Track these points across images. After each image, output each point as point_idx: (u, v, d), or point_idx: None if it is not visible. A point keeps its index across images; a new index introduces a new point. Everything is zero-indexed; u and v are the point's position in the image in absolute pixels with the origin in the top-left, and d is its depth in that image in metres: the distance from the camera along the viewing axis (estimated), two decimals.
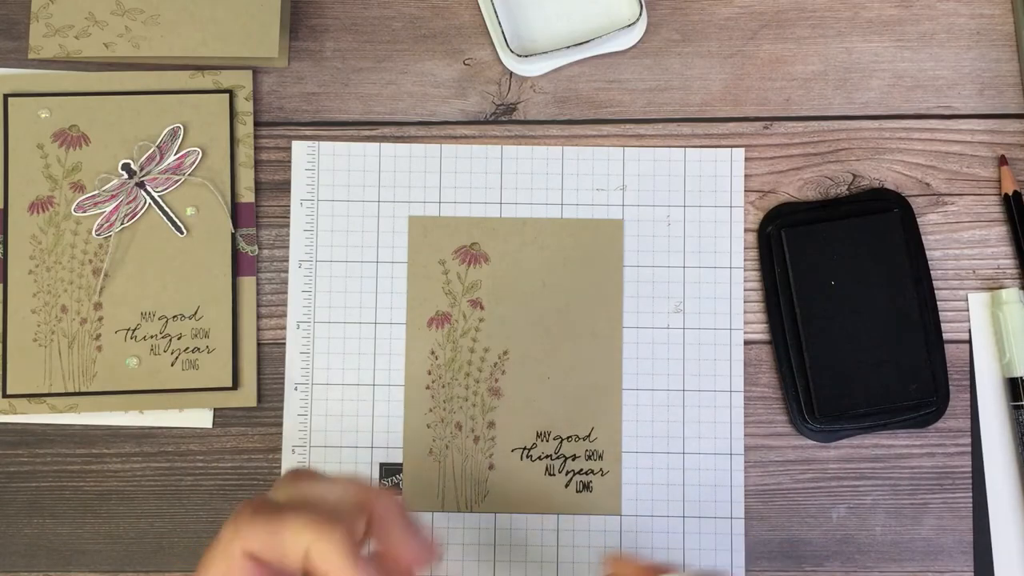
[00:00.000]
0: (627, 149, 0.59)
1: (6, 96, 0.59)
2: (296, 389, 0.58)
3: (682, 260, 0.58)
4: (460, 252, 0.58)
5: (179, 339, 0.58)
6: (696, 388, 0.58)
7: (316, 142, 0.59)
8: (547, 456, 0.57)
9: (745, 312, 0.58)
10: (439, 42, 0.60)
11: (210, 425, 0.58)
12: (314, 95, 0.60)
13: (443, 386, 0.58)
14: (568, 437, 0.57)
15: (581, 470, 0.57)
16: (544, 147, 0.59)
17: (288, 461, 0.58)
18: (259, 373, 0.58)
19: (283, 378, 0.58)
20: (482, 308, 0.58)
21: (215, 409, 0.58)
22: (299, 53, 0.60)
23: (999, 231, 0.59)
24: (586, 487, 0.57)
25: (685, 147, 0.59)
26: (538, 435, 0.57)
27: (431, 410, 0.58)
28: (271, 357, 0.59)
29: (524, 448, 0.57)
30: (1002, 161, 0.59)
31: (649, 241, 0.59)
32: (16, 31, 0.60)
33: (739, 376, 0.58)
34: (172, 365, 0.58)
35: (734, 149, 0.59)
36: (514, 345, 0.58)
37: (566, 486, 0.57)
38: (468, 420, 0.57)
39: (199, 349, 0.58)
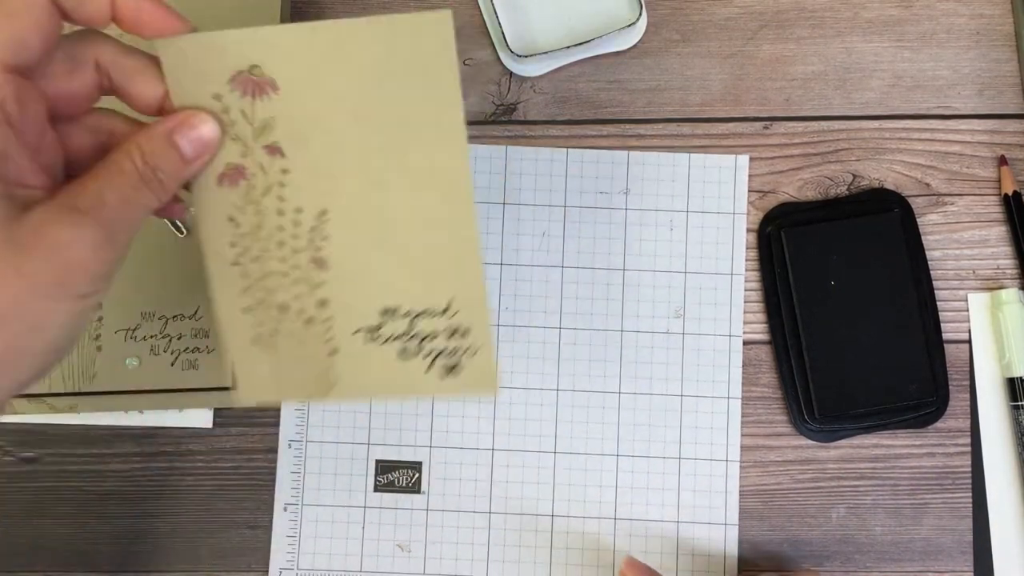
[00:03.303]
0: (631, 153, 0.59)
1: None
2: None
3: (683, 265, 0.58)
4: (238, 80, 0.42)
5: (179, 339, 0.58)
6: (694, 394, 0.58)
7: None
8: (398, 337, 0.45)
9: (745, 312, 0.58)
10: None
11: (210, 425, 0.58)
12: None
13: (253, 260, 0.45)
14: (420, 313, 0.45)
15: (444, 350, 0.45)
16: (548, 149, 0.59)
17: (285, 456, 0.58)
18: None
19: None
20: (283, 156, 0.43)
21: (215, 409, 0.58)
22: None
23: (999, 231, 0.59)
24: (451, 370, 0.46)
25: (687, 148, 0.59)
26: (383, 312, 0.45)
27: (245, 290, 0.45)
28: None
29: (369, 329, 0.45)
30: (1002, 161, 0.59)
31: (651, 245, 0.58)
32: None
33: (737, 383, 0.58)
34: (172, 365, 0.58)
35: (738, 156, 0.59)
36: (333, 201, 0.44)
37: (427, 371, 0.46)
38: (294, 300, 0.45)
39: (199, 349, 0.58)
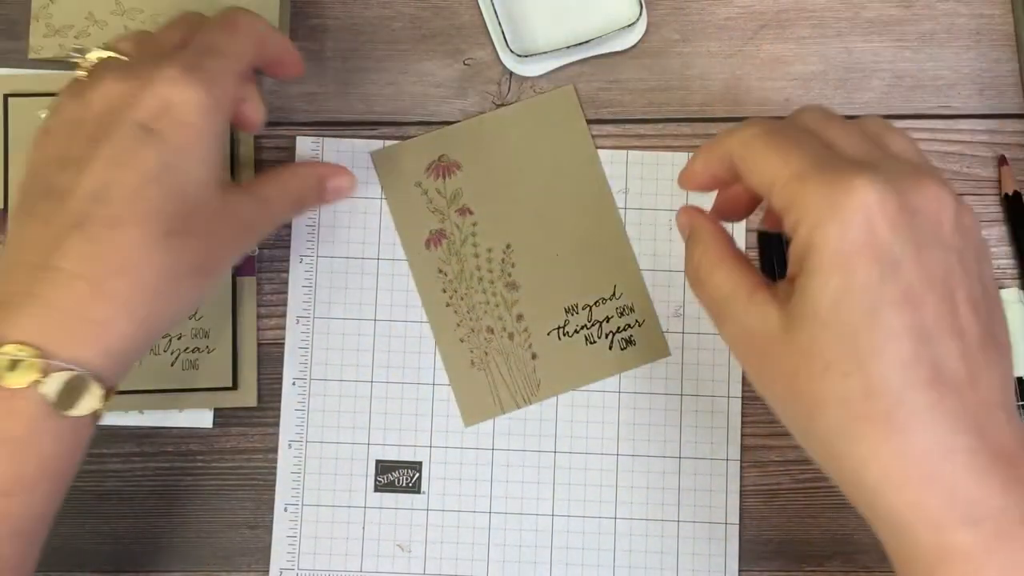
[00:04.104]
0: (630, 152, 0.59)
1: (6, 96, 0.59)
2: (294, 384, 0.58)
3: (682, 264, 0.58)
4: (432, 168, 0.59)
5: (179, 339, 0.58)
6: (694, 393, 0.58)
7: (320, 138, 0.59)
8: (582, 327, 0.58)
9: None
10: (439, 42, 0.60)
11: (210, 425, 0.58)
12: (314, 95, 0.60)
13: (461, 298, 0.58)
14: (595, 303, 0.58)
15: (618, 328, 0.58)
16: None
17: (285, 456, 0.58)
18: (259, 373, 0.58)
19: (283, 377, 0.58)
20: (471, 213, 0.58)
21: (215, 409, 0.58)
22: (299, 53, 0.60)
23: (999, 231, 0.59)
24: (629, 342, 0.58)
25: (687, 148, 0.59)
26: (567, 311, 0.58)
27: (459, 324, 0.58)
28: (271, 357, 0.59)
29: (558, 328, 0.58)
30: (1002, 161, 0.59)
31: (650, 245, 0.58)
32: (16, 31, 0.60)
33: (737, 382, 0.58)
34: (172, 365, 0.58)
35: None
36: (514, 236, 0.58)
37: (610, 348, 0.58)
38: (497, 321, 0.58)
39: (199, 349, 0.58)
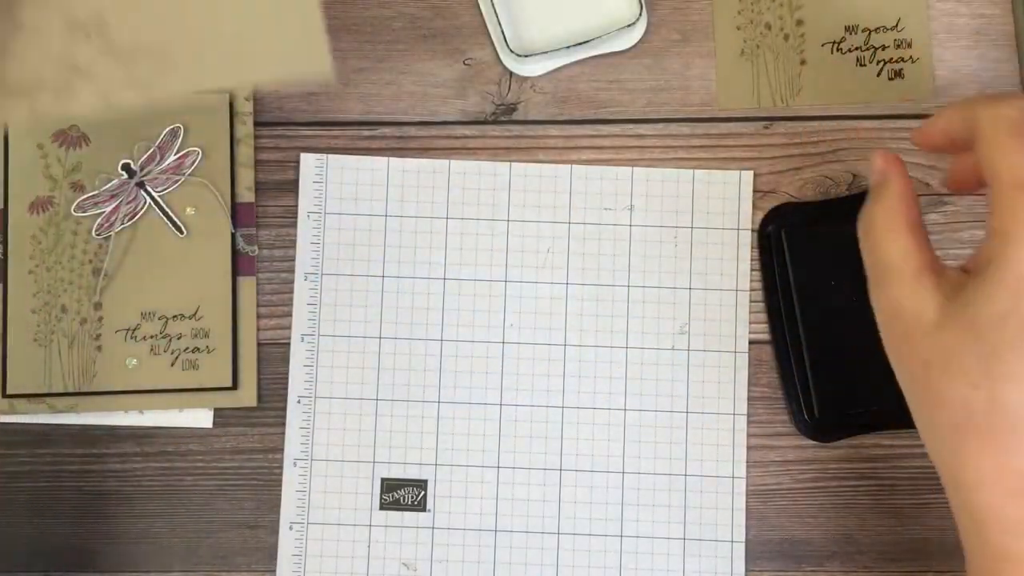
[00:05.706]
0: (635, 169, 0.59)
1: None
2: (299, 402, 0.58)
3: (688, 282, 0.58)
4: None
5: (179, 339, 0.58)
6: (700, 411, 0.57)
7: (324, 155, 0.59)
8: (858, 48, 0.59)
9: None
10: (439, 42, 0.60)
11: (210, 425, 0.58)
12: (314, 95, 0.60)
13: None
14: (876, 28, 0.59)
15: (891, 59, 0.59)
16: (552, 166, 0.59)
17: (290, 474, 0.58)
18: (259, 373, 0.58)
19: (283, 378, 0.58)
20: None
21: (215, 409, 0.58)
22: None
23: None
24: (898, 75, 0.59)
25: (687, 147, 0.59)
26: (847, 28, 0.59)
27: (739, 12, 0.59)
28: (271, 357, 0.59)
29: (835, 42, 0.59)
30: None
31: (655, 262, 0.58)
32: None
33: (743, 399, 0.58)
34: (172, 365, 0.58)
35: (743, 172, 0.59)
36: None
37: (878, 76, 0.59)
38: (776, 20, 0.59)
39: (199, 349, 0.58)
